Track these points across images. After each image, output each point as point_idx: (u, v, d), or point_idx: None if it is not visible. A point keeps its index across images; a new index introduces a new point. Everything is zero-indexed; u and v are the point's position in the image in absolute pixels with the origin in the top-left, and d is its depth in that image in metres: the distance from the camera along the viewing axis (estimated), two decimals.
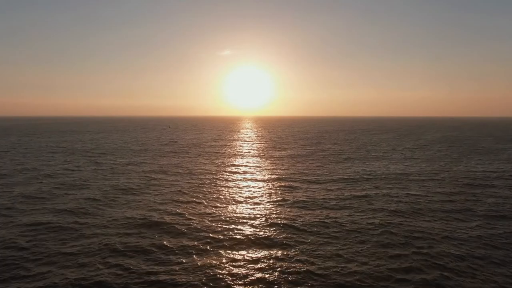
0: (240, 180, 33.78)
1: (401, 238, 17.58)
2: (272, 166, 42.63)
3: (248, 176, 35.92)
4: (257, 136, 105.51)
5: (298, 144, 73.46)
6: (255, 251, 16.43)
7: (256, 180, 33.41)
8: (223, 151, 60.41)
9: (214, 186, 30.80)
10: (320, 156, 52.84)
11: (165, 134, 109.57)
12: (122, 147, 65.02)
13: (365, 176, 35.31)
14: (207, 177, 35.09)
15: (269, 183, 31.91)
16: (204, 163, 44.61)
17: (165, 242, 17.34)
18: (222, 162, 45.76)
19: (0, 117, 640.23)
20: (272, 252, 16.31)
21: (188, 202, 25.11)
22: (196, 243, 17.28)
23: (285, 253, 16.20)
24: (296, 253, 16.19)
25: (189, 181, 32.63)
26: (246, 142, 79.82)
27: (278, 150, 60.95)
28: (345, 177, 34.87)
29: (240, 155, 54.64)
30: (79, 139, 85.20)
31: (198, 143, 75.67)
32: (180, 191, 28.53)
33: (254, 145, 72.77)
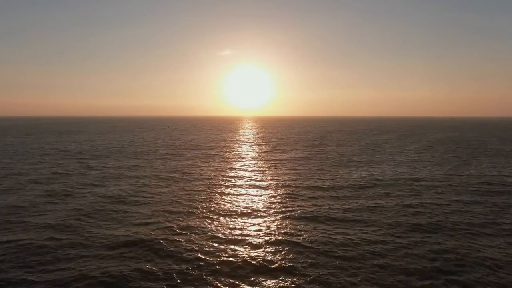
0: (238, 186, 31.32)
1: (426, 261, 15.10)
2: (273, 170, 40.20)
3: (246, 182, 33.47)
4: (257, 137, 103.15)
5: (299, 146, 71.07)
6: (255, 278, 13.99)
7: (255, 187, 30.97)
8: (221, 153, 58.00)
9: (209, 194, 28.34)
10: (323, 158, 50.42)
11: (163, 135, 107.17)
12: (116, 149, 62.58)
13: (372, 181, 32.85)
14: (202, 183, 32.64)
15: (269, 190, 29.47)
16: (200, 166, 42.18)
17: (149, 265, 14.89)
18: (219, 166, 43.33)
19: (0, 117, 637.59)
20: (275, 279, 13.87)
21: (180, 213, 22.65)
22: (184, 267, 14.82)
23: (289, 279, 13.77)
24: (303, 279, 13.75)
25: (183, 188, 30.18)
26: (245, 144, 77.45)
27: (279, 152, 58.54)
28: (351, 182, 32.42)
29: (239, 158, 52.22)
30: (74, 140, 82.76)
31: (196, 145, 73.27)
32: (172, 200, 26.07)
33: (254, 146, 70.40)
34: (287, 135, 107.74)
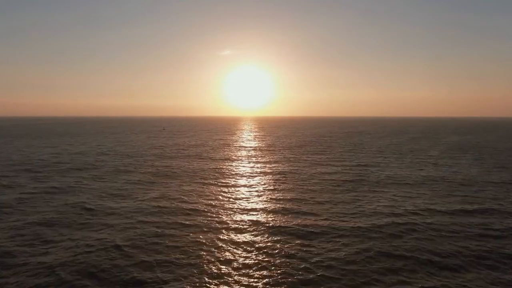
0: (226, 236, 21.82)
1: None
2: (274, 193, 30.66)
3: (239, 218, 23.97)
4: (257, 141, 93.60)
5: (304, 150, 61.40)
6: None
7: (253, 229, 21.47)
8: (213, 165, 48.46)
9: (188, 232, 18.89)
10: (337, 172, 40.80)
11: (154, 138, 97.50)
12: (92, 158, 52.99)
13: (421, 214, 23.29)
14: (177, 217, 23.12)
15: (271, 239, 19.99)
16: (181, 188, 32.63)
17: None
18: (205, 190, 33.78)
19: (0, 117, 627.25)
20: None
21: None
22: None
23: None
24: None
25: (150, 222, 20.71)
26: (243, 150, 67.82)
27: (282, 163, 48.95)
28: (393, 217, 22.84)
29: (234, 174, 42.67)
30: (50, 145, 73.16)
31: (187, 153, 63.78)
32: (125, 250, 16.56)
33: (252, 153, 60.73)
34: (290, 138, 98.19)
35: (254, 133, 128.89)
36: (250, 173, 40.30)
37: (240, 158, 54.38)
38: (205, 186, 32.70)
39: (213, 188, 32.00)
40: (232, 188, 31.91)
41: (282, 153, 61.18)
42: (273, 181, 35.09)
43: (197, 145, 75.95)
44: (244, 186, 33.06)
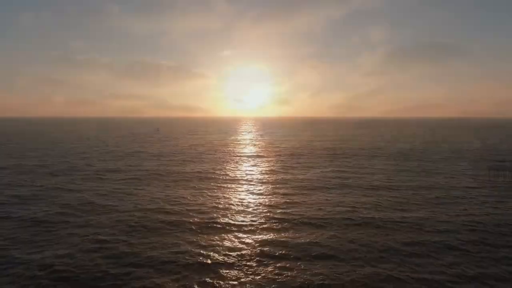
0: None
1: None
2: (281, 246, 18.80)
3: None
4: (259, 148, 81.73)
5: (319, 161, 49.31)
6: None
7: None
8: (197, 193, 36.75)
9: None
10: (372, 199, 28.93)
11: (140, 142, 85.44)
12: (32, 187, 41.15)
13: None
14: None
15: None
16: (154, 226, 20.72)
17: None
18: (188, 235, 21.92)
19: (0, 118, 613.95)
20: None
21: None
22: None
23: None
24: None
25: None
26: (241, 161, 55.73)
27: (291, 187, 37.09)
28: None
29: (224, 203, 30.85)
30: (7, 152, 61.30)
31: (165, 167, 52.05)
32: None
33: (251, 165, 48.66)
34: (293, 144, 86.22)
35: (255, 137, 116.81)
36: (249, 203, 28.36)
37: (238, 178, 42.34)
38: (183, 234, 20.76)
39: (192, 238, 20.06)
40: (220, 238, 20.01)
41: (291, 162, 49.00)
42: (282, 226, 23.17)
43: (185, 154, 63.86)
44: (238, 228, 21.14)
